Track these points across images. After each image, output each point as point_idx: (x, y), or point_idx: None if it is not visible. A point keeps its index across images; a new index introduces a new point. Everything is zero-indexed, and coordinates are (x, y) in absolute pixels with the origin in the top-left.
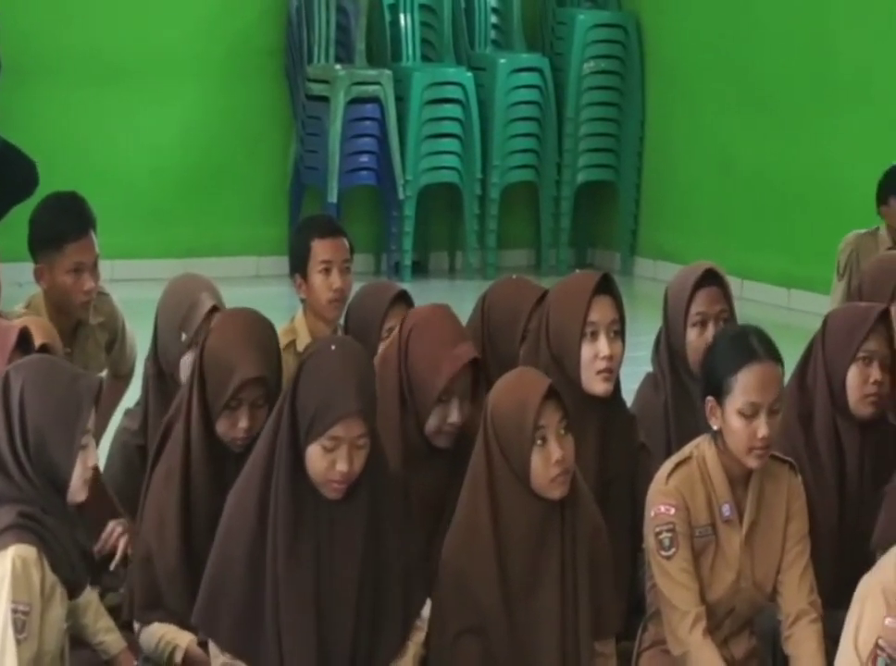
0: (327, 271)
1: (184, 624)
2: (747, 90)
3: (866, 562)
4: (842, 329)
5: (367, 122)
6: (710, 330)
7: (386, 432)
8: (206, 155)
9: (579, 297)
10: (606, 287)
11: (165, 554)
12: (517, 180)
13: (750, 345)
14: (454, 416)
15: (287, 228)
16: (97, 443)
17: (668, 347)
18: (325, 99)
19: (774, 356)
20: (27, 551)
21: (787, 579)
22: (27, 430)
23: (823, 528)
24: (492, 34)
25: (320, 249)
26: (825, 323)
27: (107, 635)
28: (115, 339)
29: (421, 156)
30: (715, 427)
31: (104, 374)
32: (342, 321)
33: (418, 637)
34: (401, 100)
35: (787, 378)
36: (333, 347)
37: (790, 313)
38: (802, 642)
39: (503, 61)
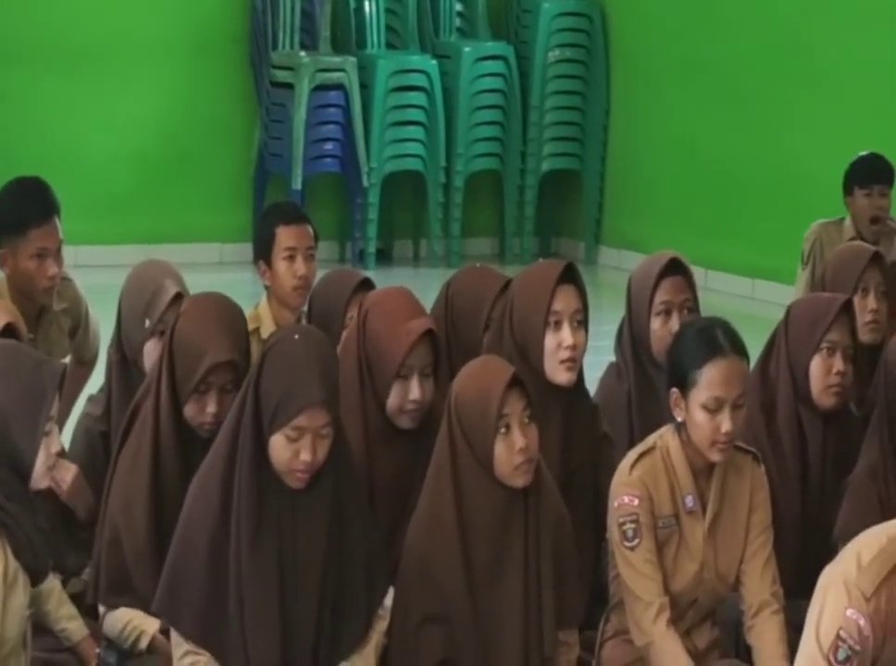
0: (291, 258)
1: (151, 610)
2: (711, 79)
3: (829, 552)
4: (805, 320)
5: (332, 109)
6: (674, 320)
7: (347, 415)
8: (171, 142)
9: (543, 286)
10: (570, 276)
11: (133, 535)
12: (482, 169)
13: (716, 339)
14: (415, 393)
15: (251, 215)
16: (60, 429)
17: (632, 336)
18: (289, 86)
19: (739, 351)
20: None
21: (749, 569)
22: None
23: (785, 518)
24: (457, 22)
25: (285, 236)
26: (788, 313)
27: (70, 623)
28: (78, 324)
29: (385, 144)
30: (678, 419)
31: (67, 360)
32: (305, 308)
33: (380, 626)
34: (365, 87)
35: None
36: (297, 336)
37: (753, 303)
38: (765, 632)
39: (467, 49)
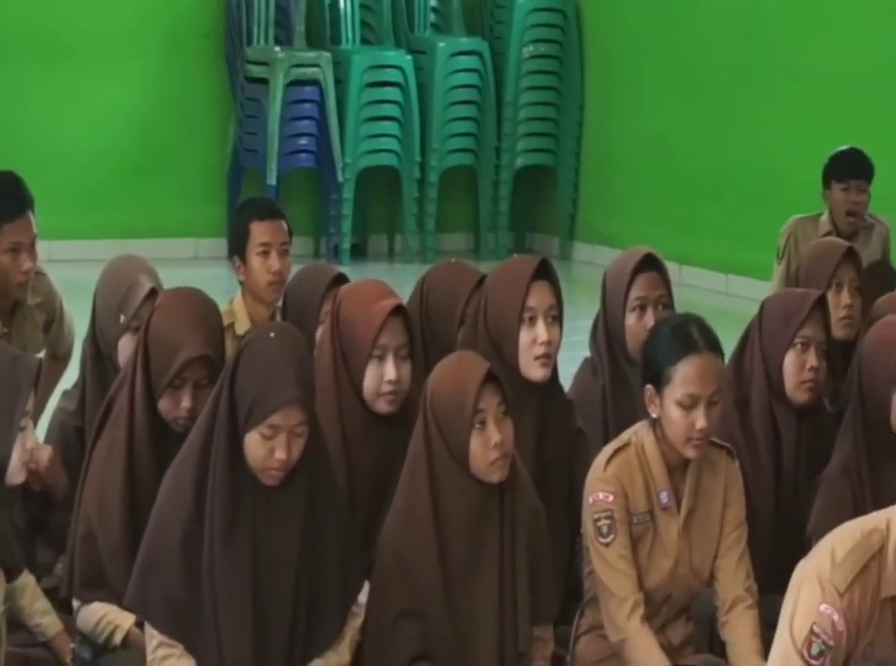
0: (265, 254)
1: (124, 604)
2: (685, 75)
3: (802, 548)
4: (779, 315)
5: (307, 105)
6: (649, 315)
7: (324, 407)
8: (145, 137)
9: (517, 282)
10: (544, 272)
11: (107, 531)
12: (456, 164)
13: (690, 336)
14: (391, 373)
15: (226, 211)
16: (34, 424)
17: (606, 332)
18: (264, 81)
19: (714, 348)
20: None
21: (724, 565)
22: None
23: (759, 514)
24: (432, 17)
25: (259, 231)
26: (762, 309)
27: (44, 618)
28: (53, 319)
29: (360, 139)
30: (653, 415)
31: (42, 355)
32: (280, 303)
33: (355, 623)
34: (340, 83)
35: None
36: (272, 334)
37: (727, 298)
38: (739, 628)
39: (442, 44)
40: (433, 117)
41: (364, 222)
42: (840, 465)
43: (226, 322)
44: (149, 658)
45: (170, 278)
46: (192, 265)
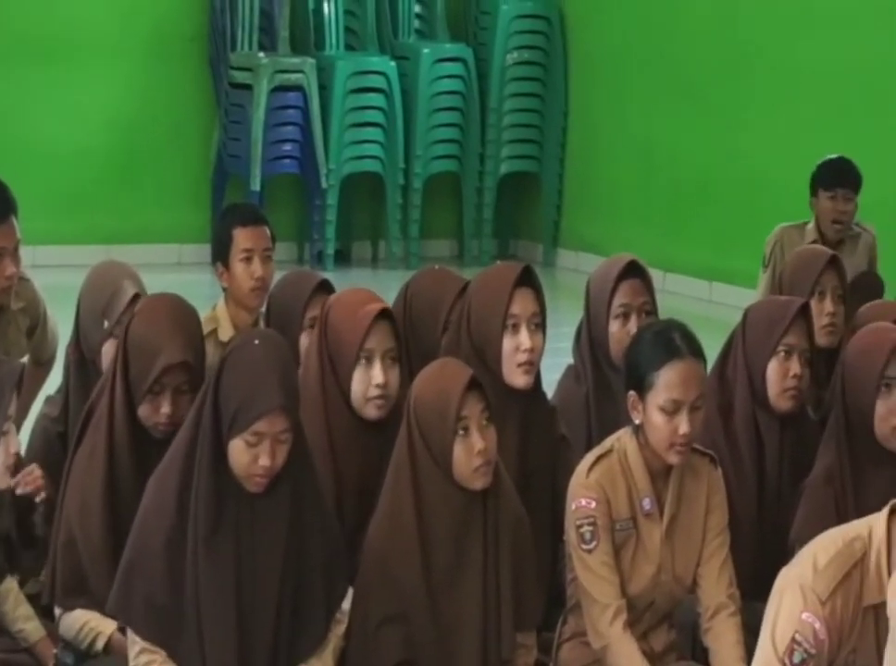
0: (248, 260)
1: (106, 610)
2: (670, 82)
3: (785, 555)
4: (763, 323)
5: (291, 110)
6: (632, 322)
7: (311, 414)
8: (129, 142)
9: (501, 289)
10: (527, 279)
11: (88, 538)
12: (440, 170)
13: (673, 341)
14: (378, 377)
15: (210, 216)
16: (17, 429)
17: (590, 339)
18: (248, 87)
19: (697, 353)
20: None
21: (706, 572)
22: None
23: (742, 521)
24: (416, 24)
25: (242, 237)
26: (745, 316)
27: (27, 623)
28: (36, 324)
29: (344, 145)
30: (636, 422)
31: (25, 360)
32: (263, 309)
33: (338, 629)
34: (324, 88)
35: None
36: (256, 341)
37: (711, 305)
38: (722, 635)
39: (426, 51)
40: (417, 124)
41: (348, 228)
42: (822, 473)
43: (209, 328)
44: (131, 664)
45: (154, 284)
46: (176, 271)
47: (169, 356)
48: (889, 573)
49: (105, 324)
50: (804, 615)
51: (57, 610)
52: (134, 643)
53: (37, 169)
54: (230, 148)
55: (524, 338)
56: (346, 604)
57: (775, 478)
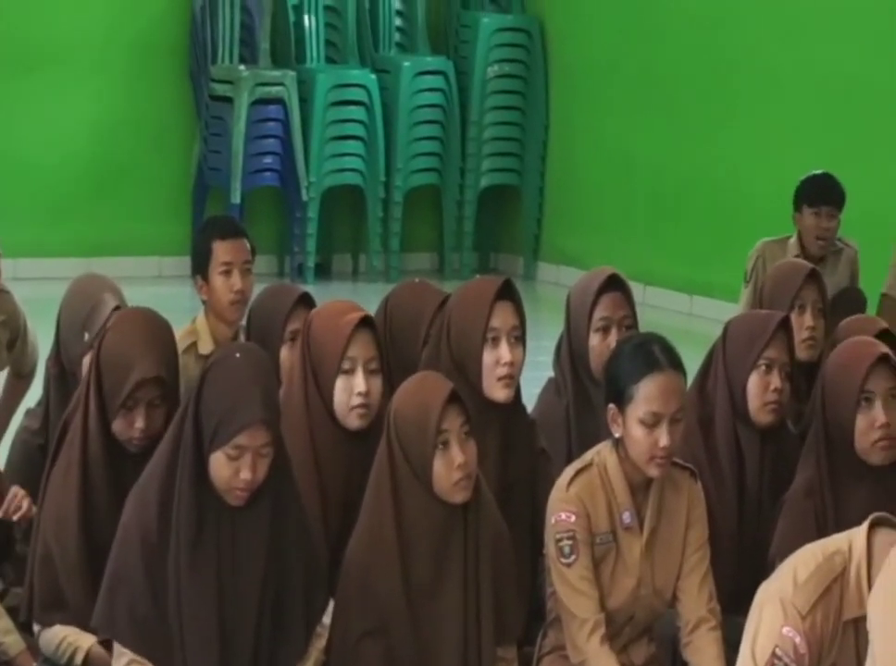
0: (227, 273)
1: (85, 626)
2: (650, 95)
3: (765, 569)
4: (743, 337)
5: (271, 123)
6: (613, 336)
7: (294, 427)
8: (110, 155)
9: (481, 303)
10: (507, 292)
11: (65, 553)
12: (421, 183)
13: (652, 354)
14: (360, 385)
15: (190, 229)
16: None
17: (570, 352)
18: (228, 100)
19: (676, 366)
20: None
21: (686, 586)
22: None
23: (722, 535)
24: (397, 37)
25: (221, 250)
26: (726, 330)
27: (7, 637)
28: (16, 337)
29: (325, 158)
30: (616, 435)
31: (5, 372)
32: (244, 322)
33: (319, 643)
34: (305, 101)
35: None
36: (238, 354)
37: (691, 319)
38: (702, 649)
39: (407, 64)
40: (398, 137)
41: (328, 241)
42: (803, 487)
43: (189, 341)
44: None
45: (135, 297)
46: (157, 284)
47: (142, 371)
48: (870, 587)
49: (86, 336)
50: (785, 629)
51: (36, 627)
52: (122, 655)
53: (18, 182)
54: (211, 161)
55: (504, 351)
56: (327, 618)
57: (755, 492)
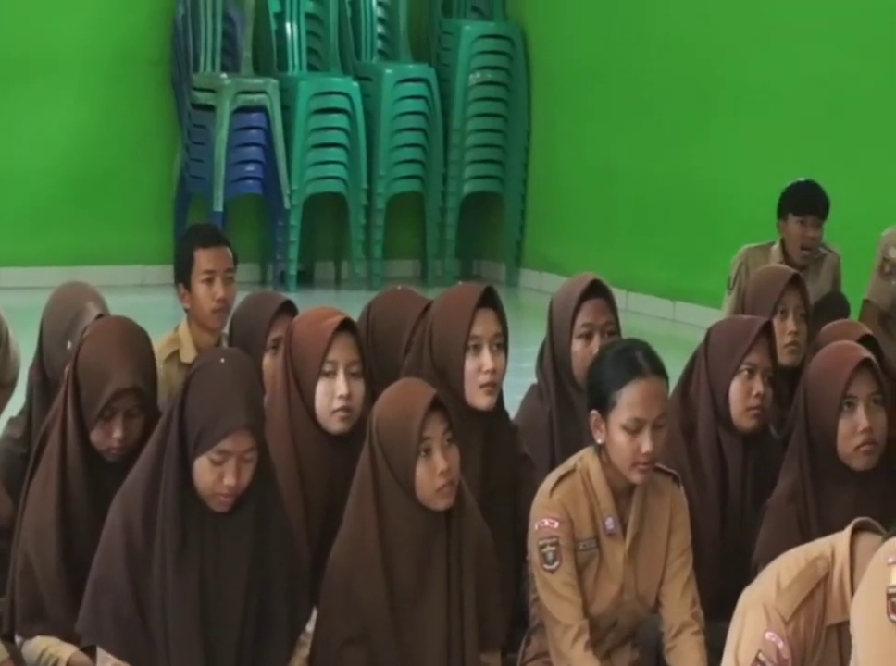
0: (210, 281)
1: (66, 636)
2: (632, 102)
3: (748, 574)
4: (725, 342)
5: (253, 131)
6: (595, 342)
7: (277, 433)
8: (92, 164)
9: (462, 310)
10: (489, 300)
11: (44, 564)
12: (403, 191)
13: (635, 360)
14: (342, 388)
15: (172, 237)
16: None
17: (553, 358)
18: (211, 108)
19: (659, 372)
20: None
21: (669, 591)
22: None
23: (705, 540)
24: (379, 44)
25: (203, 258)
26: (708, 335)
27: None
28: None
29: (307, 166)
30: (599, 441)
31: None
32: (226, 330)
33: (302, 652)
34: (287, 109)
35: (671, 390)
36: (223, 360)
37: (674, 325)
38: (685, 654)
39: (389, 71)
40: (380, 144)
41: (311, 249)
42: (785, 492)
43: (171, 350)
44: None
45: (117, 305)
46: (140, 292)
47: (119, 381)
48: (853, 593)
49: (69, 345)
50: (768, 634)
51: (18, 639)
52: (106, 660)
53: (0, 191)
54: (193, 169)
55: (486, 358)
56: (310, 626)
57: (738, 497)
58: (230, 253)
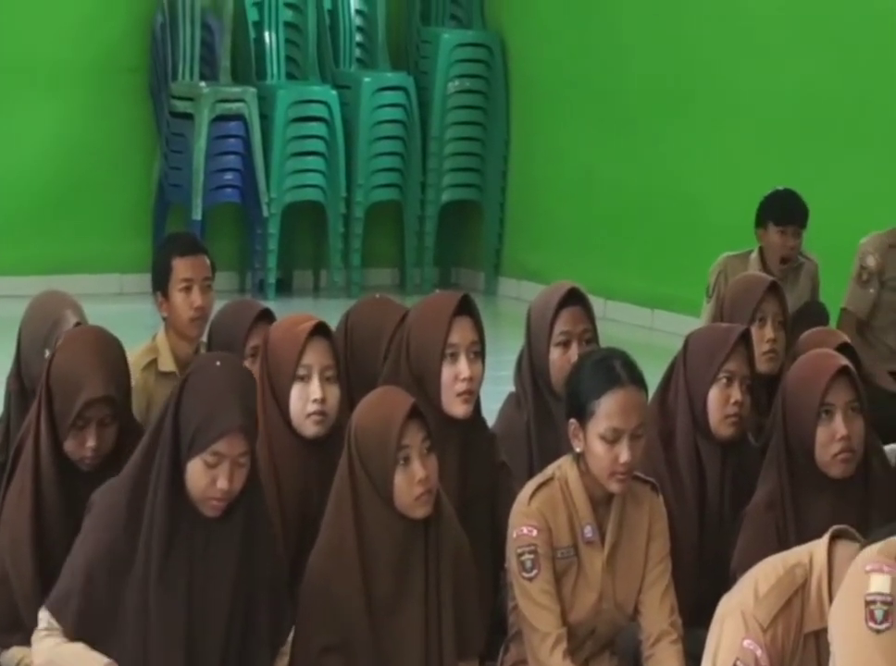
0: (188, 289)
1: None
2: (611, 110)
3: (726, 582)
4: (703, 350)
5: (232, 140)
6: (573, 350)
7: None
8: (70, 172)
9: (439, 319)
10: (466, 308)
11: (20, 575)
12: (382, 199)
13: (613, 370)
14: (316, 392)
15: (151, 246)
16: None
17: (531, 366)
18: (189, 116)
19: (638, 381)
20: None
21: (648, 599)
22: None
23: (683, 548)
24: (357, 53)
25: (181, 267)
26: (686, 343)
27: None
28: None
29: (286, 174)
30: (577, 450)
31: None
32: (204, 339)
33: (282, 663)
34: (265, 118)
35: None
36: (219, 363)
37: (652, 333)
38: (663, 662)
39: (367, 80)
40: (359, 152)
41: (289, 257)
42: (763, 500)
43: (149, 358)
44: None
45: (96, 314)
46: (118, 301)
47: (91, 390)
48: (831, 600)
49: (47, 353)
50: (746, 642)
51: None
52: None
53: None
54: (172, 177)
55: (463, 367)
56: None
57: (716, 505)
58: (208, 262)
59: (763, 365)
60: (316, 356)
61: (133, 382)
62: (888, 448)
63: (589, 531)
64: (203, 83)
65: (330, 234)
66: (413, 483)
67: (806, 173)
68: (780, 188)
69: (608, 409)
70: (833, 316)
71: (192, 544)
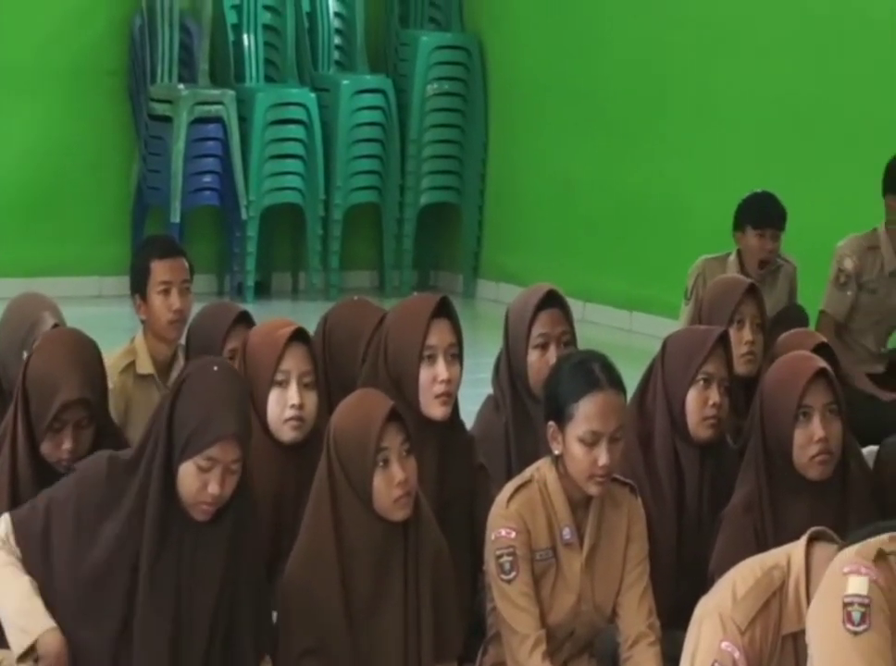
0: (166, 292)
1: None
2: (589, 112)
3: (705, 584)
4: (682, 352)
5: (210, 142)
6: (551, 352)
7: None
8: (48, 175)
9: (417, 321)
10: (444, 310)
11: None
12: (361, 202)
13: (592, 373)
14: (294, 398)
15: (129, 249)
16: None
17: (509, 369)
18: (168, 119)
19: (616, 384)
20: None
21: (626, 601)
22: None
23: (662, 550)
24: (336, 55)
25: (159, 269)
26: (664, 346)
27: None
28: None
29: (264, 177)
30: (556, 452)
31: None
32: (183, 341)
33: None
34: (244, 120)
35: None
36: (216, 368)
37: (631, 335)
38: (642, 664)
39: (346, 82)
40: (337, 155)
41: (268, 260)
42: (741, 502)
43: (127, 361)
44: None
45: (74, 316)
46: (96, 304)
47: (67, 393)
48: (808, 602)
49: (25, 355)
50: (724, 644)
51: None
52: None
53: None
54: (150, 180)
55: (441, 369)
56: None
57: (694, 507)
58: (187, 264)
59: (741, 367)
60: (294, 362)
61: (111, 384)
62: (865, 450)
63: (567, 533)
64: (181, 86)
65: (309, 237)
66: (392, 485)
67: (784, 176)
68: (758, 191)
69: (587, 412)
70: (812, 319)
71: (182, 547)
